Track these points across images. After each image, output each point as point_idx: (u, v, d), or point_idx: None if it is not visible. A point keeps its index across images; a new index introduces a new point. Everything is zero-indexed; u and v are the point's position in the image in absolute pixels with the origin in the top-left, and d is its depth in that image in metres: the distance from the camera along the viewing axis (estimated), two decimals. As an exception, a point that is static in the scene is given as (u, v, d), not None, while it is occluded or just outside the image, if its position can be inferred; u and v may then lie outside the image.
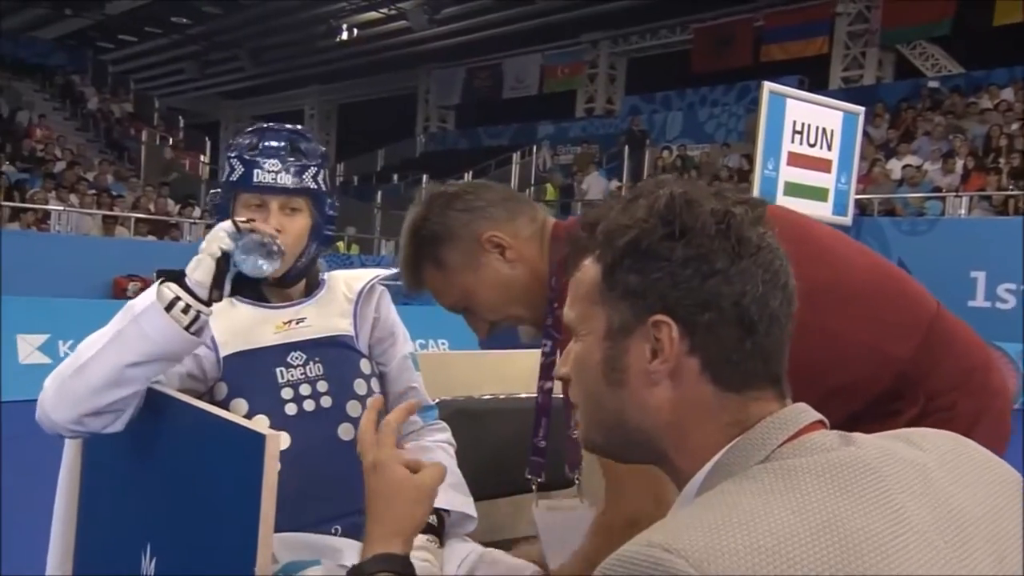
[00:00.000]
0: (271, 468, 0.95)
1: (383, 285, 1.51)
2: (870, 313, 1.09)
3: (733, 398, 0.68)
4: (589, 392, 0.73)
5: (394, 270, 1.61)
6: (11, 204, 9.70)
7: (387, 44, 19.17)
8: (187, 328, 1.13)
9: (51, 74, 16.72)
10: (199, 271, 1.15)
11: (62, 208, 9.99)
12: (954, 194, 9.07)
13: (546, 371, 1.32)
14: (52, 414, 1.16)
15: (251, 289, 1.38)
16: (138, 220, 10.48)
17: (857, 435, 0.68)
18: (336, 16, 17.78)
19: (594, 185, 12.92)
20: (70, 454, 1.40)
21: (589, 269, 0.71)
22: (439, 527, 1.35)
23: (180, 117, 18.24)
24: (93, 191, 11.09)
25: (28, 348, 4.89)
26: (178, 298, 1.13)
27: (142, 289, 1.76)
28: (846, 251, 1.17)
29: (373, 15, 17.82)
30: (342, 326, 1.41)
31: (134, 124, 16.08)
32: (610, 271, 0.69)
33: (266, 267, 1.18)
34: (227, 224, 1.18)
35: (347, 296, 1.44)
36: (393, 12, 17.43)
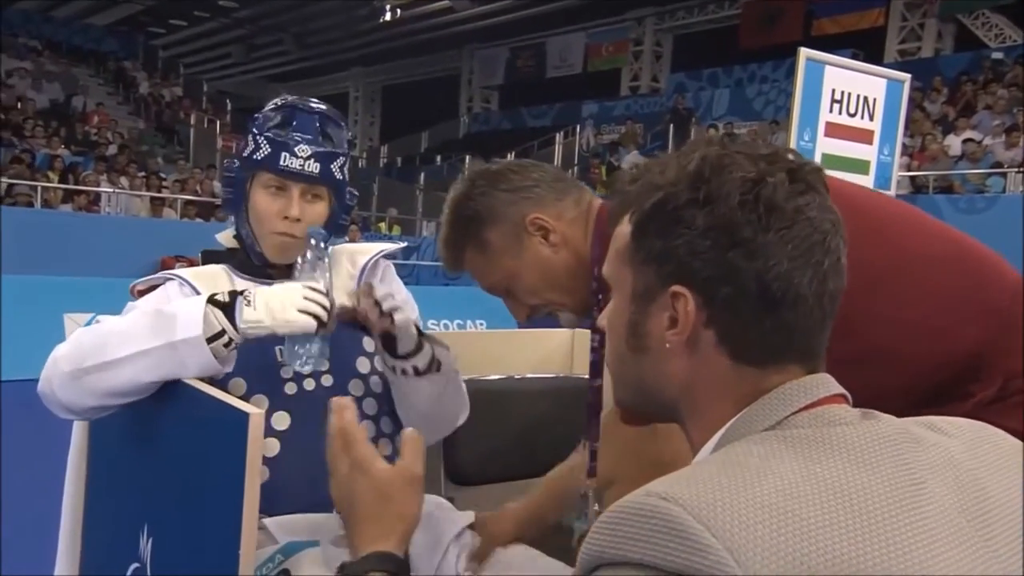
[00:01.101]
0: (255, 447, 0.91)
1: (388, 260, 1.46)
2: (936, 291, 0.99)
3: (751, 371, 0.64)
4: (615, 351, 0.72)
5: (400, 245, 1.57)
6: (64, 187, 9.98)
7: (430, 25, 19.13)
8: (220, 357, 1.11)
9: (104, 60, 17.15)
10: (256, 330, 1.12)
11: (112, 190, 10.25)
12: (1015, 170, 8.66)
13: (595, 368, 1.27)
14: (60, 394, 1.16)
15: (251, 264, 1.36)
16: (185, 202, 10.69)
17: (878, 413, 0.64)
18: (379, -3, 17.82)
19: (630, 164, 12.77)
20: (78, 434, 1.40)
21: (624, 227, 0.70)
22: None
23: (228, 100, 18.54)
24: (143, 173, 11.35)
25: (73, 327, 5.04)
26: (223, 331, 1.10)
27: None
28: (909, 225, 1.06)
29: (416, -5, 17.81)
30: (344, 302, 1.36)
31: (183, 108, 16.40)
32: (638, 232, 0.67)
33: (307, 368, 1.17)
34: (309, 322, 1.13)
35: (350, 272, 1.40)
36: (435, -8, 17.39)
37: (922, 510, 0.56)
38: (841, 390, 0.65)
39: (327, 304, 1.14)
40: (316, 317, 1.12)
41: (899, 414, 0.67)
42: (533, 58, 20.01)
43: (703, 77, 16.19)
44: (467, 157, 17.18)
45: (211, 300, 1.13)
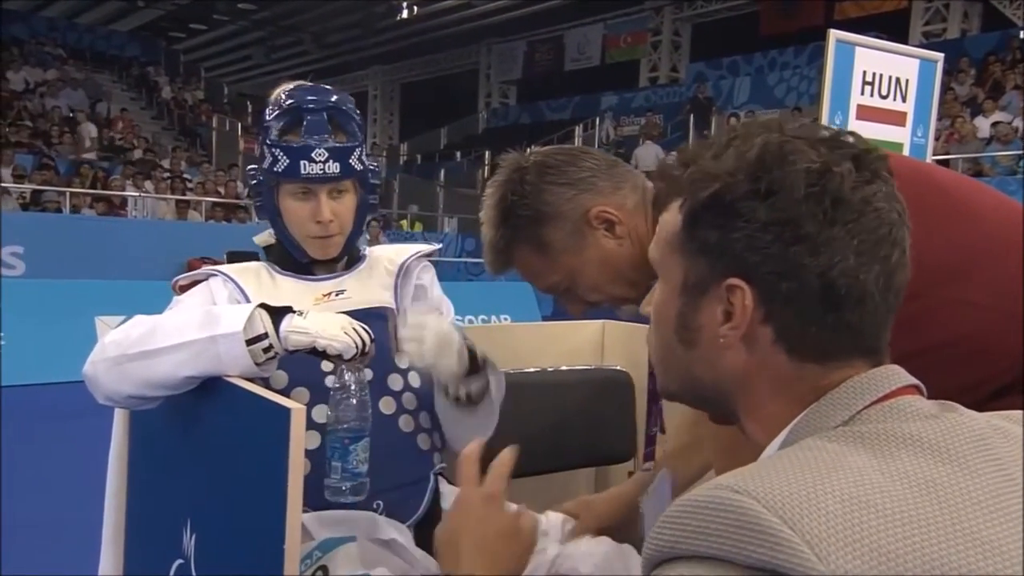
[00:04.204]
0: (297, 442, 0.91)
1: (427, 260, 1.47)
2: (1010, 275, 0.91)
3: (812, 368, 0.61)
4: (663, 341, 0.70)
5: (435, 247, 1.57)
6: (91, 191, 10.11)
7: (447, 21, 19.13)
8: (258, 362, 1.11)
9: (127, 65, 17.36)
10: (299, 337, 1.11)
11: (138, 194, 10.38)
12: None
13: None
14: (102, 379, 1.18)
15: (291, 261, 1.37)
16: (211, 204, 10.79)
17: (958, 405, 0.61)
18: (396, -5, 17.86)
19: (645, 156, 12.61)
20: (119, 430, 1.41)
21: (674, 214, 0.66)
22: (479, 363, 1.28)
23: (248, 102, 18.68)
24: (167, 177, 11.48)
25: (105, 329, 5.13)
26: (266, 335, 1.10)
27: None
28: (980, 203, 0.97)
29: (432, -8, 17.81)
30: (383, 298, 1.38)
31: (204, 111, 16.56)
32: (690, 223, 0.64)
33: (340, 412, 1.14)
34: (349, 343, 1.12)
35: (388, 270, 1.42)
36: (452, -12, 17.37)
37: (1013, 507, 0.53)
38: (913, 381, 0.62)
39: (368, 339, 1.15)
40: (357, 344, 1.13)
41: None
42: (551, 51, 19.96)
43: (723, 65, 16.03)
44: (486, 152, 17.19)
45: (262, 305, 1.14)
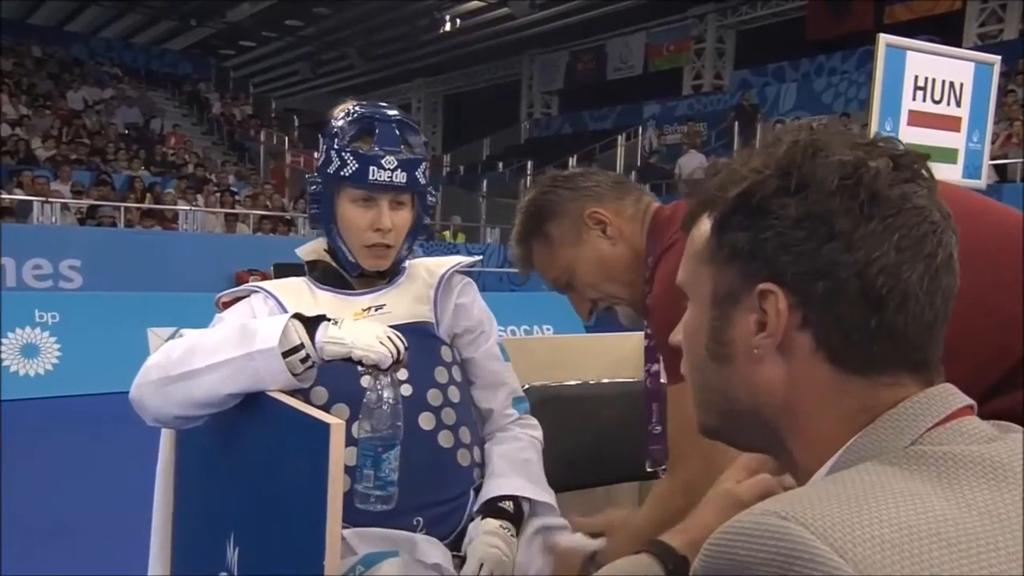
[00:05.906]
0: (337, 457, 0.91)
1: (465, 273, 1.47)
2: (995, 274, 0.94)
3: (858, 382, 0.57)
4: (696, 366, 0.66)
5: (476, 258, 1.57)
6: (143, 206, 10.40)
7: (489, 32, 19.26)
8: (296, 372, 1.12)
9: (180, 83, 17.87)
10: (334, 347, 1.12)
11: (188, 208, 10.64)
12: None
13: (650, 354, 1.32)
14: (148, 402, 1.20)
15: (332, 276, 1.38)
16: (257, 217, 10.99)
17: (1013, 425, 0.58)
18: (439, 8, 18.03)
19: (688, 165, 12.46)
20: (166, 443, 1.44)
21: (703, 224, 0.64)
22: (516, 516, 1.29)
23: (295, 117, 19.05)
24: (217, 190, 11.75)
25: (157, 341, 5.25)
26: (302, 346, 1.12)
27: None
28: (970, 207, 0.99)
29: (475, 4, 17.92)
30: (422, 312, 1.38)
31: (253, 126, 16.94)
32: (720, 227, 0.61)
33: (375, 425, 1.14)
34: (385, 353, 1.12)
35: (427, 282, 1.41)
36: (494, 0, 17.47)
37: None
38: (969, 401, 0.58)
39: (403, 347, 1.15)
40: (392, 354, 1.13)
41: None
42: (593, 61, 19.92)
43: (768, 72, 15.80)
44: (529, 163, 17.20)
45: (296, 316, 1.14)
